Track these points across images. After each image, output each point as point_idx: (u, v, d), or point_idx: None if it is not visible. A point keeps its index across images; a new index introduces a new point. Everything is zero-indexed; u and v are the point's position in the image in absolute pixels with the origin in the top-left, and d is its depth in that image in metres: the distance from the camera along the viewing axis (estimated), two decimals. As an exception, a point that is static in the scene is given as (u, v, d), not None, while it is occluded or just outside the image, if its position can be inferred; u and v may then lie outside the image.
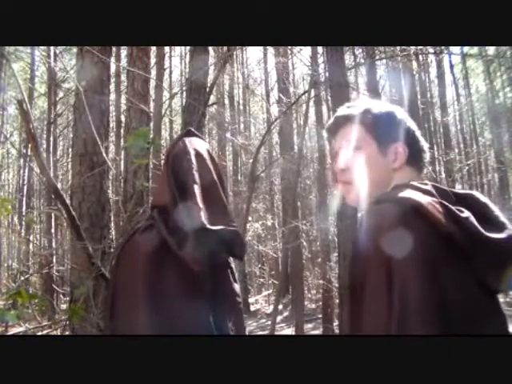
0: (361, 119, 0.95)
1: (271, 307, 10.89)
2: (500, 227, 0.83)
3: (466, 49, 11.53)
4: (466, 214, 0.81)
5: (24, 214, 12.43)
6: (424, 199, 0.80)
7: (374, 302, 0.80)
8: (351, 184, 0.95)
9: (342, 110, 1.00)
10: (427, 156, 0.98)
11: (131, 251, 1.17)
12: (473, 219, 0.80)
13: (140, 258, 1.12)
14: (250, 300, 13.83)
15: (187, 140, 1.28)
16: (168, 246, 1.10)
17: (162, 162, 1.41)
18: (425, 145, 0.98)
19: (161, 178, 1.31)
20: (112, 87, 6.84)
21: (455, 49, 13.21)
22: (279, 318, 10.04)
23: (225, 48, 4.09)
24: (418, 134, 0.98)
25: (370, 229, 0.82)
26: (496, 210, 0.87)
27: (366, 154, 0.93)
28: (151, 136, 2.54)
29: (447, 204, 0.81)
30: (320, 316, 9.63)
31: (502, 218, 0.86)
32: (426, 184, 0.86)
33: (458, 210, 0.81)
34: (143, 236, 1.16)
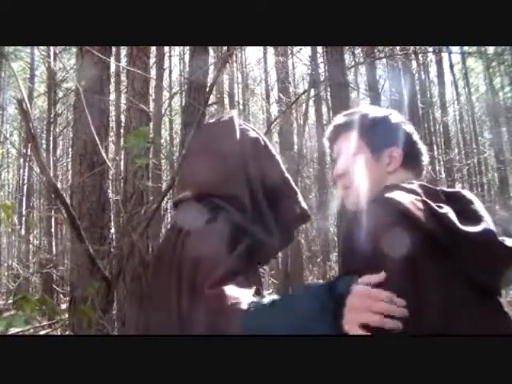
0: (356, 126, 0.99)
1: (271, 307, 10.84)
2: (477, 221, 0.84)
3: (465, 47, 11.51)
4: (445, 209, 0.82)
5: (24, 213, 12.42)
6: (406, 198, 0.82)
7: None
8: (348, 188, 1.00)
9: (339, 119, 1.04)
10: (426, 158, 1.01)
11: (199, 240, 1.04)
12: (451, 215, 0.81)
13: (214, 244, 1.02)
14: (250, 300, 13.79)
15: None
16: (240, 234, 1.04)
17: (209, 143, 1.22)
18: (422, 147, 1.01)
19: (220, 162, 1.15)
20: (112, 87, 6.83)
21: (455, 47, 13.20)
22: (279, 318, 10.00)
23: (225, 48, 4.09)
24: (416, 136, 1.00)
25: (354, 229, 0.85)
26: (479, 205, 0.88)
27: (360, 160, 0.97)
28: (151, 136, 2.54)
29: (428, 201, 0.82)
30: (320, 316, 9.61)
31: (482, 212, 0.86)
32: (412, 183, 0.88)
33: (437, 206, 0.82)
34: (214, 225, 1.05)
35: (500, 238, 0.82)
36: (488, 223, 0.83)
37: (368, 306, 0.76)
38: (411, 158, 0.98)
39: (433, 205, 0.81)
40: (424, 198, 0.83)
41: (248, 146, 1.17)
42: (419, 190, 0.86)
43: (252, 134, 1.22)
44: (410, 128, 1.00)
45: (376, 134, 0.98)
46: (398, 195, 0.83)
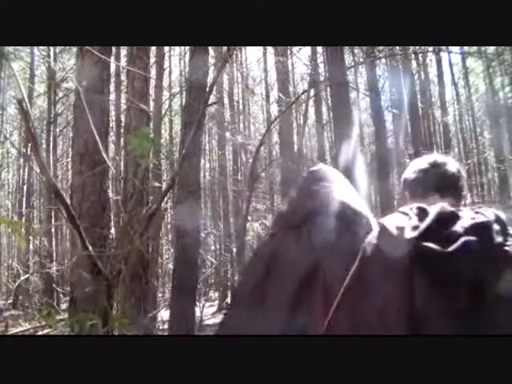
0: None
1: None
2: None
3: (465, 47, 11.51)
4: (414, 233, 0.86)
5: (24, 213, 12.41)
6: (391, 220, 0.93)
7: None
8: None
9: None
10: (431, 184, 1.17)
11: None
12: (412, 234, 0.86)
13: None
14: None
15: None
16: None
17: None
18: (431, 180, 1.16)
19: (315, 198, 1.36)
20: (112, 87, 6.83)
21: (455, 47, 13.19)
22: (279, 318, 9.99)
23: (225, 48, 4.09)
24: (424, 174, 1.18)
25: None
26: (462, 223, 0.88)
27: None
28: (151, 136, 2.54)
29: (409, 222, 0.89)
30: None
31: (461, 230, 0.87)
32: (411, 208, 0.96)
33: (413, 227, 0.87)
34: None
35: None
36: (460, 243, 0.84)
37: None
38: (416, 193, 1.17)
39: (408, 226, 0.88)
40: (409, 219, 0.91)
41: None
42: (410, 212, 0.94)
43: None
44: (421, 167, 1.20)
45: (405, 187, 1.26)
46: (388, 217, 0.95)
